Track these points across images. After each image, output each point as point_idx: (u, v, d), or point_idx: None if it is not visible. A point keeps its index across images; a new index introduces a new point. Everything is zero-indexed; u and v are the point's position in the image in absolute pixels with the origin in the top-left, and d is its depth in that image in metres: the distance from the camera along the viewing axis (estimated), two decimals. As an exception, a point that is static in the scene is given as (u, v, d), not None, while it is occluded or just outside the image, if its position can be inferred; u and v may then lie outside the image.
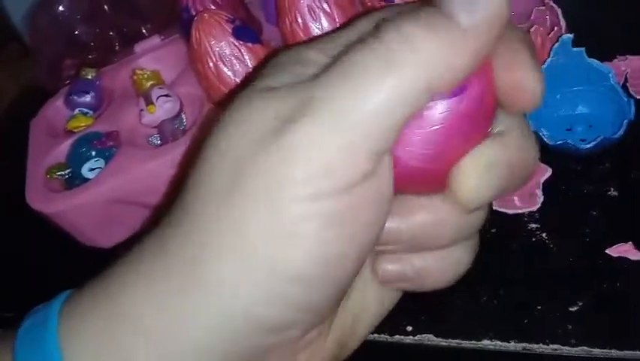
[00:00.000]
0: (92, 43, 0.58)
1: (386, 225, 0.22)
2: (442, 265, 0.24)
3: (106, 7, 0.59)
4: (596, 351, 0.31)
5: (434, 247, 0.23)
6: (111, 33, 0.58)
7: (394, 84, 0.19)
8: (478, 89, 0.20)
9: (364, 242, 0.20)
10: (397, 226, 0.23)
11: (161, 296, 0.21)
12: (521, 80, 0.21)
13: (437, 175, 0.21)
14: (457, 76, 0.19)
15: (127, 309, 0.21)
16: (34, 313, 0.23)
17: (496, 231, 0.38)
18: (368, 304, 0.26)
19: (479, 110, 0.20)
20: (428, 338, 0.34)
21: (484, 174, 0.21)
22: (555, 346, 0.32)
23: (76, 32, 0.59)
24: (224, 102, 0.41)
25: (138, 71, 0.47)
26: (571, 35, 0.42)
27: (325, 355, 0.24)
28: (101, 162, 0.43)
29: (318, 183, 0.19)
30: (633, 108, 0.40)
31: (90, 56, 0.57)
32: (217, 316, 0.20)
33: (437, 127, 0.20)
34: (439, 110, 0.20)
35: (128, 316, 0.21)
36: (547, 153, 0.40)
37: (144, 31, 0.58)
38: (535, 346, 0.32)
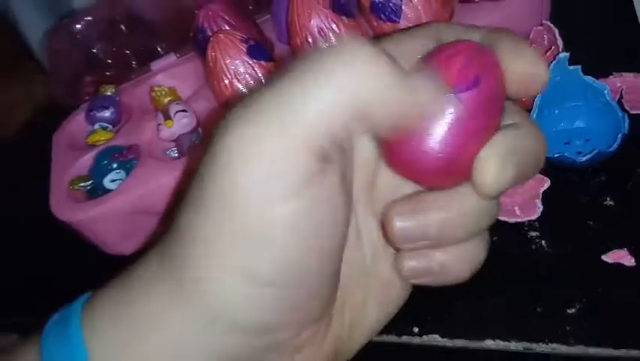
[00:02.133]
0: (109, 61, 0.60)
1: (414, 223, 0.23)
2: (463, 258, 0.24)
3: (122, 26, 0.61)
4: (592, 350, 0.33)
5: (458, 240, 0.24)
6: (127, 51, 0.60)
7: (326, 92, 0.19)
8: (492, 81, 0.22)
9: (325, 246, 0.21)
10: (425, 222, 0.23)
11: (158, 300, 0.22)
12: (528, 66, 0.23)
13: (459, 167, 0.22)
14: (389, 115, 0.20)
15: (138, 310, 0.23)
16: (56, 315, 0.25)
17: (498, 238, 0.39)
18: (367, 311, 0.26)
19: (494, 100, 0.22)
20: (434, 339, 0.36)
21: (504, 160, 0.22)
22: (554, 345, 0.34)
23: (94, 51, 0.60)
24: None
25: (156, 88, 0.49)
26: (567, 54, 0.43)
27: (323, 356, 0.25)
28: (122, 174, 0.45)
29: (270, 187, 0.20)
30: (627, 123, 0.41)
31: (107, 74, 0.59)
32: (203, 320, 0.21)
33: (456, 120, 0.21)
34: (457, 103, 0.21)
35: (139, 316, 0.23)
36: (547, 165, 0.41)
37: (159, 49, 0.60)
38: (535, 345, 0.34)
